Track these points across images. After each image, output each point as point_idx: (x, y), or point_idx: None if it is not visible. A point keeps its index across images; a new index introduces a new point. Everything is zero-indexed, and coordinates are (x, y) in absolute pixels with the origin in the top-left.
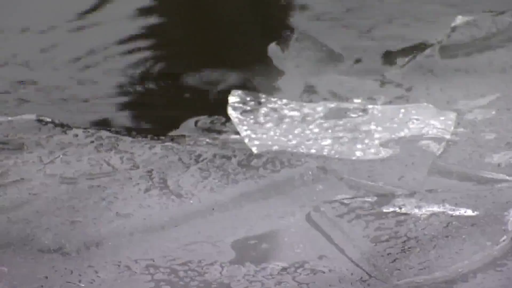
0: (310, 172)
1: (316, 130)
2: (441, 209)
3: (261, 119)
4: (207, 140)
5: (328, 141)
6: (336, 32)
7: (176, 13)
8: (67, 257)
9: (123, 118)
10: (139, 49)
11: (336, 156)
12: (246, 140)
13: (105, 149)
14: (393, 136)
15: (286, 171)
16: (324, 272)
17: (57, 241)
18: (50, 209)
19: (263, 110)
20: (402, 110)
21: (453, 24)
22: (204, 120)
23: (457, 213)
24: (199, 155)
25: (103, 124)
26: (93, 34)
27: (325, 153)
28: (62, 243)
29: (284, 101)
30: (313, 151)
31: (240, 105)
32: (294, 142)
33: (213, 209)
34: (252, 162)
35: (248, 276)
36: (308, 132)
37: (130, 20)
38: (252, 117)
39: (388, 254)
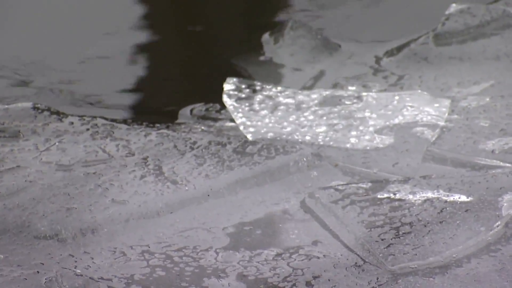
0: (304, 159)
1: (311, 117)
2: (435, 195)
3: (256, 107)
4: (203, 127)
5: (323, 128)
6: (330, 21)
7: (171, 1)
8: (63, 244)
9: (119, 106)
10: (134, 39)
11: (331, 143)
12: (241, 127)
13: (100, 136)
14: (387, 123)
15: (281, 158)
16: (318, 258)
17: (53, 227)
18: (46, 196)
19: (258, 97)
20: (397, 97)
21: (447, 12)
22: (199, 107)
23: (451, 199)
24: (195, 142)
25: (98, 111)
26: (92, 21)
27: (319, 140)
28: (58, 230)
29: (279, 88)
30: (308, 138)
31: (235, 92)
32: (289, 129)
33: (208, 195)
34: (247, 149)
35: (243, 261)
36: (303, 119)
37: (127, 8)
38: (247, 104)
39: (382, 240)
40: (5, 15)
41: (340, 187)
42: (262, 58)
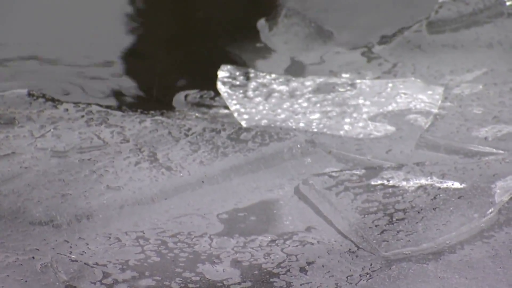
0: (298, 146)
1: (305, 104)
2: (428, 182)
3: (250, 94)
4: (197, 114)
5: (317, 115)
6: (324, 9)
7: None
8: (58, 229)
9: (114, 93)
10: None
11: (325, 130)
12: (236, 114)
13: (95, 123)
14: (381, 110)
15: (275, 144)
16: (312, 244)
17: (48, 213)
18: (41, 182)
19: (252, 84)
20: (390, 85)
21: (440, 0)
22: (194, 94)
23: (444, 185)
24: (189, 129)
25: (93, 99)
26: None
27: (313, 127)
28: (53, 216)
29: (273, 76)
30: (301, 125)
31: (230, 80)
32: (282, 116)
33: (203, 182)
34: (242, 136)
35: (237, 247)
36: (297, 106)
37: None
38: (241, 91)
39: (376, 226)
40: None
41: (334, 174)
42: (256, 45)
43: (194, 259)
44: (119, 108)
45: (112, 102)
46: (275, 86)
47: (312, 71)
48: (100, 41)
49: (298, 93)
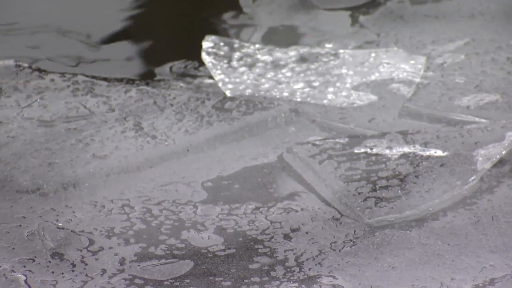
0: (282, 115)
1: (289, 74)
2: (411, 150)
3: (235, 64)
4: (182, 84)
5: (301, 85)
6: None
7: None
8: (44, 198)
9: (99, 63)
10: None
11: (308, 99)
12: (220, 84)
13: (81, 93)
14: (364, 79)
15: (259, 113)
16: (296, 211)
17: (35, 182)
18: (28, 151)
19: (236, 55)
20: (373, 55)
21: None
22: (178, 65)
23: (427, 153)
24: (174, 98)
25: (79, 69)
26: None
27: (297, 97)
28: (40, 184)
29: (257, 46)
30: (285, 94)
31: (214, 50)
32: (267, 86)
33: (188, 150)
34: (226, 105)
35: (222, 215)
36: (280, 76)
37: None
38: (225, 61)
39: (359, 194)
40: None
41: (317, 142)
42: (240, 16)
43: (179, 226)
44: (104, 78)
45: (98, 72)
46: (259, 56)
47: (296, 41)
48: (84, 13)
49: (281, 63)
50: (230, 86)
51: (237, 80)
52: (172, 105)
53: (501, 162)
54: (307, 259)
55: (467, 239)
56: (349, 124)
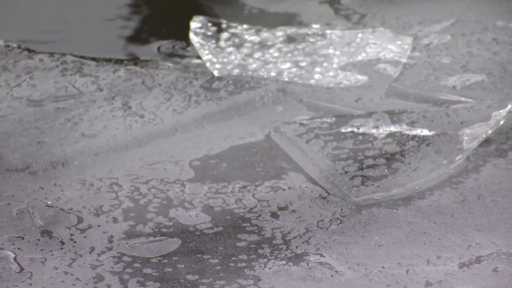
0: (270, 94)
1: (276, 54)
2: (398, 129)
3: (222, 44)
4: (170, 64)
5: (288, 65)
6: None
7: None
8: (34, 176)
9: (88, 43)
10: None
11: (296, 79)
12: (208, 64)
13: (70, 72)
14: (351, 60)
15: (246, 93)
16: (284, 190)
17: (24, 160)
18: (17, 130)
19: (224, 35)
20: (360, 35)
21: None
22: (166, 45)
23: (413, 133)
24: (162, 78)
25: (68, 48)
26: None
27: (284, 76)
28: (29, 163)
29: (245, 26)
30: (273, 74)
31: (202, 30)
32: (254, 66)
33: (176, 129)
34: (214, 85)
35: (210, 193)
36: (268, 56)
37: None
38: (213, 42)
39: (346, 172)
40: None
41: (304, 122)
42: None
43: (167, 204)
44: (93, 58)
45: (87, 52)
46: (246, 36)
47: (283, 22)
48: None
49: (269, 43)
50: (217, 66)
51: (225, 60)
52: (160, 84)
53: (487, 141)
54: (294, 237)
55: (453, 217)
56: (336, 103)
